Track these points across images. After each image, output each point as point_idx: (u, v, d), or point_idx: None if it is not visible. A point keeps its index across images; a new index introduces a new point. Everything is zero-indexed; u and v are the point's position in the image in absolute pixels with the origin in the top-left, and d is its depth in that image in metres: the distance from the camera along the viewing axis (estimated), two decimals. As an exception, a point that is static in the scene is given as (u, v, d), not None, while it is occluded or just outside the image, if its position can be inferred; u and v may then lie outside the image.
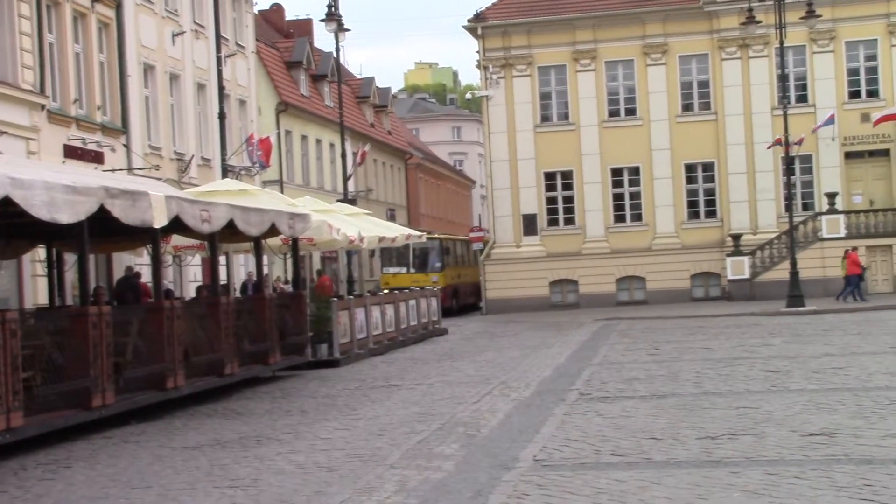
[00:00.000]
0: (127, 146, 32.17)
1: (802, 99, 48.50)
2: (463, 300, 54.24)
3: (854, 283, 40.47)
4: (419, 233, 39.92)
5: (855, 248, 41.88)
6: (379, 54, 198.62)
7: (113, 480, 11.70)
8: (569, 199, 50.05)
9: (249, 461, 12.40)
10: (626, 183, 49.85)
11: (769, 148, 46.81)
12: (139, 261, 30.21)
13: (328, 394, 19.54)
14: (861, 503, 8.71)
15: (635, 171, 49.70)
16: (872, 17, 48.11)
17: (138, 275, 29.08)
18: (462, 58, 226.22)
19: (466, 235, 60.09)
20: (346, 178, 43.69)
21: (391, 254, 50.82)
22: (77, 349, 15.10)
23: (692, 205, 49.63)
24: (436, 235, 55.01)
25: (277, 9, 61.80)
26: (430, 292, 37.29)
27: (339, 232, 26.39)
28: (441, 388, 19.32)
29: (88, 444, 14.45)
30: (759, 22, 40.95)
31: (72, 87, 29.63)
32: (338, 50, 41.83)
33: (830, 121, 46.76)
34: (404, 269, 51.12)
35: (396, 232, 35.07)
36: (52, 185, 13.83)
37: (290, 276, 36.60)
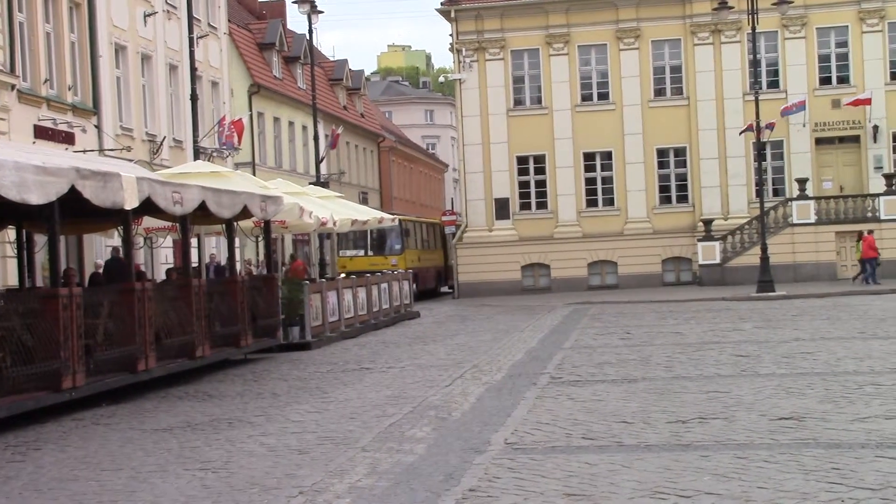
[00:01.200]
0: (98, 127, 32.00)
1: (774, 84, 48.72)
2: (423, 285, 51.72)
3: (871, 267, 40.59)
4: (391, 216, 39.88)
5: (871, 231, 42.07)
6: (352, 36, 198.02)
7: (83, 463, 11.66)
8: (541, 184, 50.12)
9: (220, 444, 12.38)
10: (598, 167, 49.96)
11: (741, 133, 47.06)
12: (110, 242, 30.10)
13: (300, 377, 19.53)
14: (829, 486, 8.77)
15: (608, 155, 49.82)
16: (843, 3, 48.34)
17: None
18: (435, 41, 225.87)
19: (427, 217, 59.80)
20: (318, 161, 43.59)
21: (347, 236, 48.17)
22: (47, 331, 15.03)
23: (664, 189, 49.79)
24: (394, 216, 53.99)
25: (250, -10, 61.45)
26: (402, 275, 37.23)
27: (312, 215, 26.34)
28: (413, 371, 19.34)
29: (58, 427, 14.39)
30: (731, 8, 41.06)
31: (42, 67, 29.43)
32: (311, 32, 41.73)
33: (801, 107, 46.97)
34: (362, 252, 49.50)
35: (368, 215, 35.03)
36: (23, 165, 13.75)
37: (261, 259, 36.68)
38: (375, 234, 49.11)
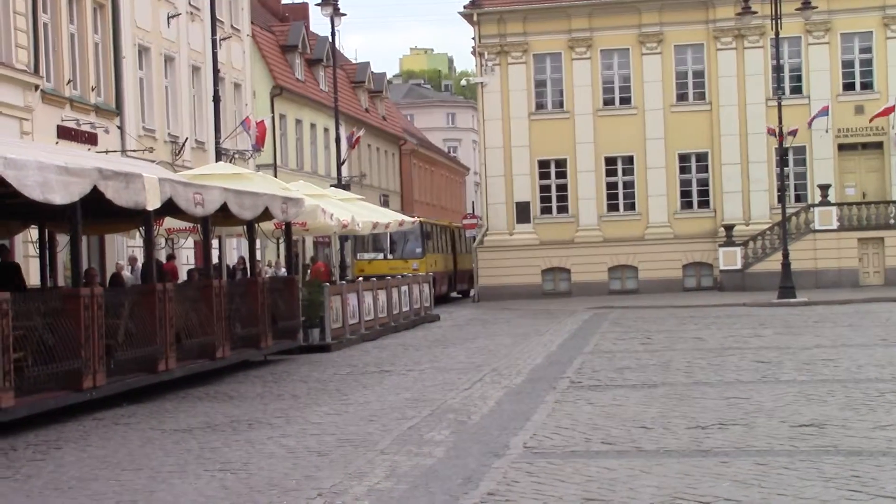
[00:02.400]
0: (121, 128, 32.12)
1: (797, 90, 48.52)
2: (438, 289, 47.78)
3: None
4: (412, 218, 39.91)
5: None
6: (374, 39, 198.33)
7: (103, 462, 11.70)
8: (562, 188, 50.05)
9: (240, 445, 12.41)
10: (619, 172, 49.87)
11: (768, 133, 46.62)
12: (131, 243, 30.22)
13: (319, 378, 19.55)
14: (849, 494, 8.74)
15: (629, 160, 49.72)
16: (868, 9, 48.11)
17: (171, 257, 29.09)
18: (458, 44, 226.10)
19: (440, 220, 59.34)
20: (339, 163, 43.65)
21: (365, 238, 44.97)
22: (69, 330, 15.08)
23: (685, 194, 49.65)
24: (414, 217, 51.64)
25: (273, -8, 61.63)
26: (422, 278, 37.23)
27: (333, 217, 26.37)
28: (432, 374, 19.34)
29: (79, 426, 14.45)
30: (754, 12, 40.91)
31: (66, 68, 29.56)
32: (333, 34, 41.81)
33: (824, 112, 46.80)
34: (381, 255, 47.48)
35: (390, 217, 35.06)
36: (46, 165, 13.81)
37: (276, 261, 36.72)
38: (395, 236, 46.44)
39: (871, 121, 46.76)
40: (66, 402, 15.13)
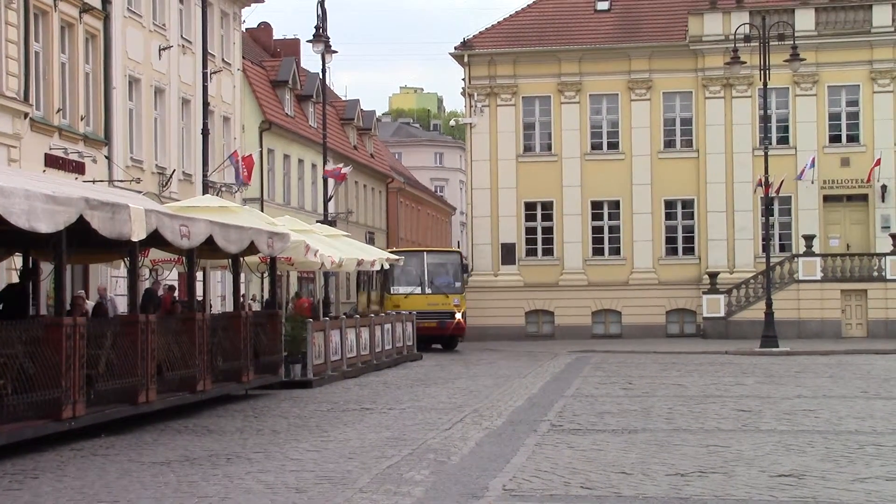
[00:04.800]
0: (109, 158, 32.12)
1: (784, 140, 48.84)
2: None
3: None
4: (396, 256, 39.86)
5: None
6: (365, 77, 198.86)
7: (80, 493, 11.63)
8: (548, 230, 50.19)
9: (218, 479, 12.35)
10: (605, 216, 50.05)
11: (755, 191, 46.86)
12: (116, 273, 30.13)
13: (300, 414, 19.49)
14: (827, 546, 8.74)
15: (615, 204, 49.91)
16: (855, 62, 48.52)
17: (172, 288, 28.99)
18: (447, 84, 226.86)
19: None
20: (326, 200, 43.65)
21: (398, 269, 41.15)
22: (49, 359, 15.02)
23: (670, 241, 49.83)
24: (454, 248, 47.67)
25: (265, 27, 61.84)
26: (405, 317, 36.99)
27: (318, 254, 26.37)
28: (413, 413, 19.30)
29: (57, 456, 14.36)
30: (743, 62, 41.22)
31: (56, 97, 29.59)
32: (324, 71, 41.85)
33: (811, 164, 47.10)
34: (418, 289, 41.82)
35: (374, 255, 35.05)
36: (33, 193, 13.79)
37: (252, 295, 36.60)
38: (432, 267, 42.43)
39: (867, 180, 47.08)
40: (44, 432, 15.04)
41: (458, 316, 39.76)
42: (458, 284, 41.97)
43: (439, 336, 41.08)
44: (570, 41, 50.81)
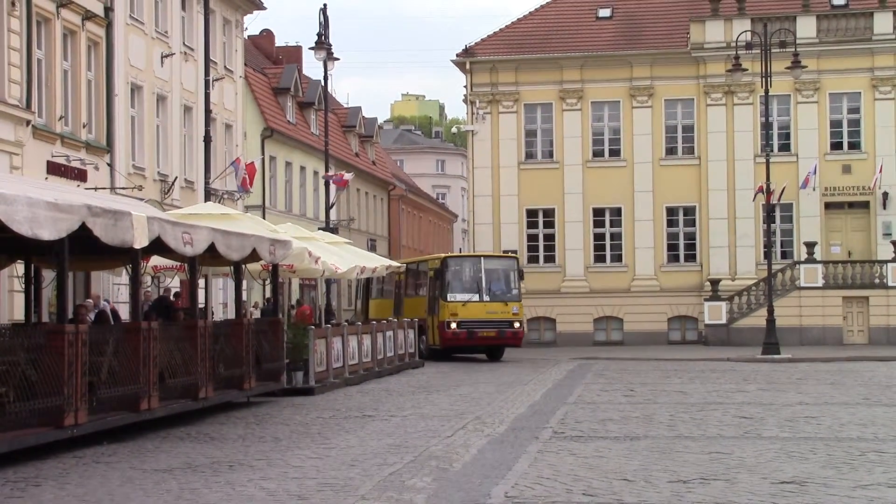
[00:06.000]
0: (111, 165, 32.16)
1: (785, 148, 48.89)
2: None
3: None
4: (398, 263, 39.84)
5: None
6: (367, 84, 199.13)
7: (82, 501, 11.63)
8: (550, 237, 50.22)
9: (220, 486, 12.35)
10: (607, 223, 50.08)
11: (754, 198, 46.97)
12: (118, 280, 30.15)
13: (302, 422, 19.49)
14: (829, 553, 8.74)
15: (617, 211, 49.95)
16: (857, 70, 48.57)
17: (177, 295, 29.04)
18: (449, 91, 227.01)
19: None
20: (328, 207, 43.69)
21: (455, 276, 39.05)
22: (52, 367, 15.02)
23: (672, 248, 49.86)
24: (511, 253, 44.76)
25: (268, 35, 61.97)
26: (407, 323, 36.89)
27: (320, 261, 26.38)
28: (415, 420, 19.29)
29: (59, 463, 14.36)
30: (745, 70, 41.26)
31: (58, 104, 29.63)
32: (326, 78, 41.94)
33: (814, 171, 47.14)
34: (475, 297, 38.84)
35: (376, 262, 35.07)
36: (35, 201, 13.81)
37: (253, 302, 36.58)
38: (489, 272, 39.60)
39: (873, 188, 47.11)
40: (46, 439, 15.04)
41: (517, 324, 38.21)
42: (515, 291, 39.63)
43: (497, 346, 39.22)
44: (572, 48, 50.86)
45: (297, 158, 53.06)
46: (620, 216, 49.90)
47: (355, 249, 35.77)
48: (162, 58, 36.03)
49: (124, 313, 27.39)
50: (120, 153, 32.96)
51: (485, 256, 40.78)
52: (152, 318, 20.08)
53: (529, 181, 50.20)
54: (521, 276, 40.30)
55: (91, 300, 27.71)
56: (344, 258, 30.30)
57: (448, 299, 38.42)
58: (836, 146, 48.99)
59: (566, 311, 49.33)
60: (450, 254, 44.34)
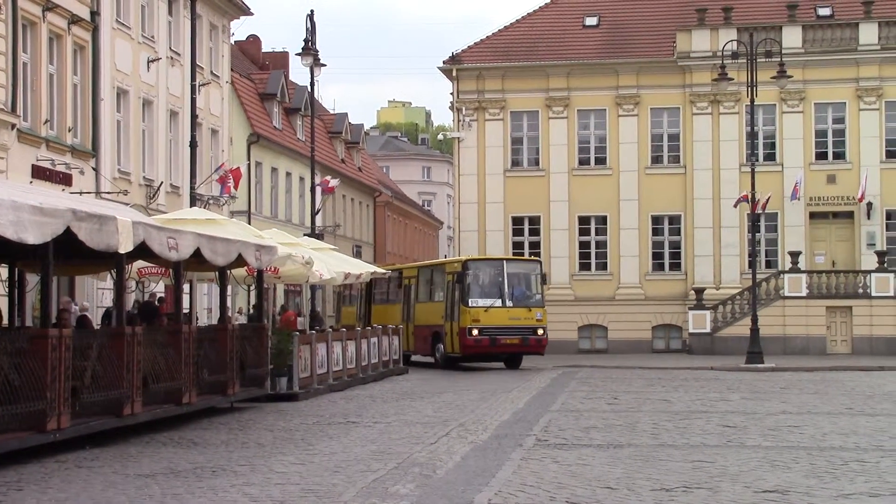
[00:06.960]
0: (96, 169, 32.10)
1: (770, 157, 49.04)
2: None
3: None
4: (384, 270, 39.81)
5: None
6: (353, 91, 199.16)
7: (64, 505, 11.60)
8: (535, 245, 50.26)
9: (203, 492, 12.33)
10: (592, 231, 50.16)
11: (736, 205, 47.19)
12: (102, 285, 30.09)
13: (286, 428, 19.47)
14: (811, 562, 8.76)
15: (602, 219, 50.04)
16: (842, 80, 48.75)
17: (161, 300, 28.99)
18: (436, 98, 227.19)
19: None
20: (314, 213, 43.66)
21: (475, 280, 37.66)
22: (35, 371, 14.97)
23: (657, 256, 49.96)
24: (534, 257, 43.67)
25: (254, 40, 61.90)
26: (391, 330, 36.77)
27: (307, 265, 26.35)
28: (399, 427, 19.28)
29: (41, 468, 14.32)
30: (731, 79, 41.39)
31: (43, 108, 29.57)
32: (312, 84, 41.89)
33: (799, 181, 47.31)
34: (498, 302, 37.44)
35: (361, 269, 35.06)
36: (20, 205, 13.78)
37: (236, 308, 36.53)
38: (513, 277, 38.20)
39: (860, 199, 47.21)
40: (28, 444, 14.99)
41: (541, 331, 37.36)
42: (538, 296, 38.51)
43: (520, 353, 38.15)
44: (559, 56, 50.97)
45: (283, 164, 53.03)
46: (606, 224, 50.00)
47: (340, 255, 35.74)
48: (148, 62, 35.98)
49: (96, 318, 27.40)
50: (105, 158, 32.90)
51: (507, 260, 39.72)
52: (137, 323, 20.07)
53: (515, 189, 50.26)
54: (543, 281, 39.35)
55: (67, 298, 27.65)
56: (329, 264, 30.28)
57: (469, 304, 36.92)
58: (821, 156, 49.17)
59: (550, 318, 48.81)
60: (471, 256, 41.81)
